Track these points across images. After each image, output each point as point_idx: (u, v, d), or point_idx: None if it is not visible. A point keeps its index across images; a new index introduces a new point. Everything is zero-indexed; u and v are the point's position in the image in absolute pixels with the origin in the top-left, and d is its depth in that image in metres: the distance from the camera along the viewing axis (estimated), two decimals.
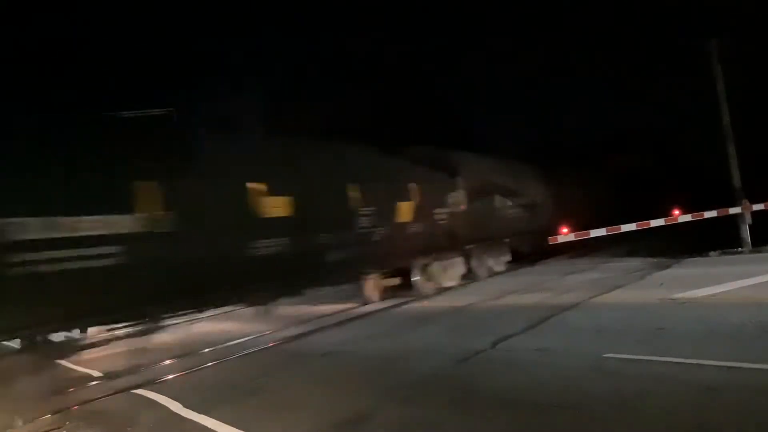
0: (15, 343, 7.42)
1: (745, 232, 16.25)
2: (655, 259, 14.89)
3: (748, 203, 16.50)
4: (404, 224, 12.86)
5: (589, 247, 19.01)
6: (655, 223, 16.99)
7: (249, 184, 9.24)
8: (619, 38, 22.99)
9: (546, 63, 25.80)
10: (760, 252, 14.86)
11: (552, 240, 17.94)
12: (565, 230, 17.97)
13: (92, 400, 7.02)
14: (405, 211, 12.93)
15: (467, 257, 15.45)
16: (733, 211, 16.64)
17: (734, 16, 17.04)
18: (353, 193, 11.36)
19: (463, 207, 15.17)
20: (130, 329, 8.15)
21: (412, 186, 13.36)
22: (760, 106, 20.38)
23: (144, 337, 8.38)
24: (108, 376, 8.26)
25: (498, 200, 17.29)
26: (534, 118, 27.92)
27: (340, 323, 10.86)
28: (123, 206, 7.44)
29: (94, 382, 8.08)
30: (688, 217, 17.01)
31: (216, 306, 9.97)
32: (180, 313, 9.03)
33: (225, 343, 9.91)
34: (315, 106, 21.45)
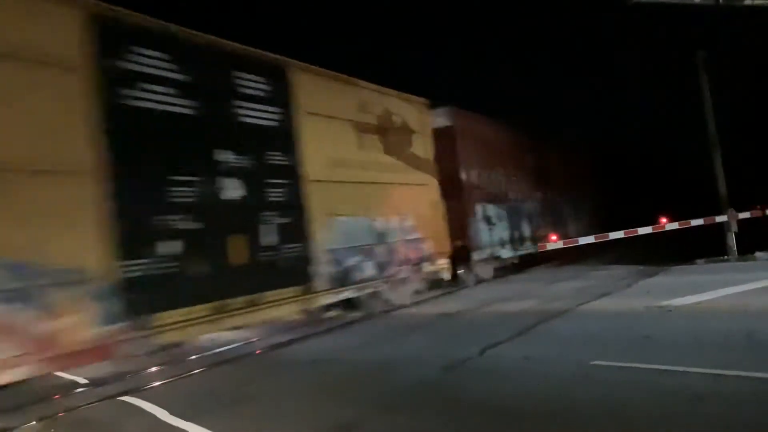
0: None
1: (731, 240, 16.41)
2: (642, 267, 14.98)
3: (734, 212, 16.67)
4: None
5: (576, 254, 19.10)
6: (642, 230, 17.12)
7: None
8: (607, 50, 23.21)
9: (536, 78, 26.03)
10: (745, 260, 14.99)
11: (541, 247, 18.06)
12: (553, 237, 18.09)
13: (78, 407, 6.96)
14: None
15: None
16: (719, 219, 16.80)
17: (721, 28, 17.26)
18: None
19: None
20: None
21: None
22: (747, 115, 20.65)
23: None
24: (94, 383, 8.18)
25: None
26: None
27: (327, 331, 10.83)
28: None
29: (80, 389, 8.00)
30: (675, 225, 17.16)
31: None
32: None
33: (212, 350, 9.86)
34: None
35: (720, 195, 17.17)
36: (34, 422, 6.48)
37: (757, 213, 17.33)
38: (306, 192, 10.40)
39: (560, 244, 17.96)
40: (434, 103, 14.95)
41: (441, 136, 14.87)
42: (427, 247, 13.56)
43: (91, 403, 7.12)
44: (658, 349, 6.74)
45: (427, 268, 13.56)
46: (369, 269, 11.71)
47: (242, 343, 10.27)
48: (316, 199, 10.50)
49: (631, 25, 19.36)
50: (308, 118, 10.65)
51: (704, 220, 17.01)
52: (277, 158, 9.96)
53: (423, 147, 14.08)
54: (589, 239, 17.70)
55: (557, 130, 23.62)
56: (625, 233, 17.17)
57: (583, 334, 8.04)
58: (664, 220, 17.49)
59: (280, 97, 10.20)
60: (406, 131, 13.56)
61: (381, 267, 12.06)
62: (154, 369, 8.73)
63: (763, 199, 17.75)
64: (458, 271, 15.15)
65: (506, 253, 17.24)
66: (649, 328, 7.80)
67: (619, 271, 15.19)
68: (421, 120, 14.24)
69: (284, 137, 10.21)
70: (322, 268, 10.47)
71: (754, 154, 20.47)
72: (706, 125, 17.32)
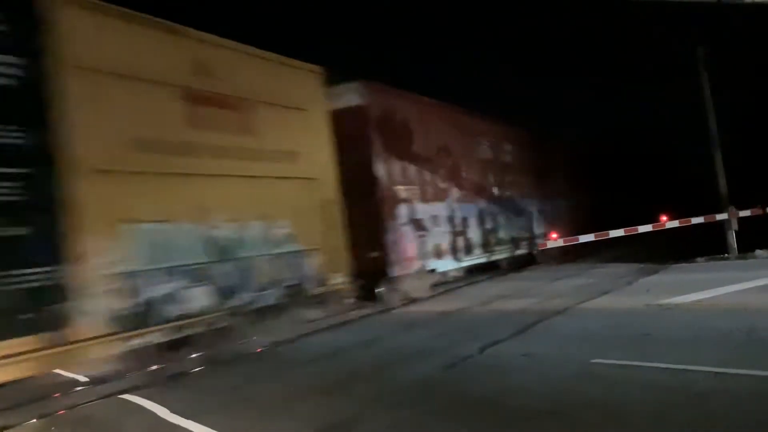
0: None
1: (732, 239, 16.41)
2: (642, 265, 14.97)
3: (734, 210, 16.67)
4: None
5: (576, 252, 19.09)
6: (642, 228, 17.12)
7: None
8: (607, 47, 23.19)
9: (537, 78, 26.01)
10: (746, 258, 14.98)
11: (541, 246, 18.06)
12: (554, 235, 18.08)
13: (78, 405, 6.96)
14: None
15: None
16: (719, 217, 16.80)
17: (722, 27, 17.27)
18: None
19: None
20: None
21: None
22: (747, 113, 20.66)
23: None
24: (94, 381, 8.18)
25: None
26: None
27: (328, 328, 10.82)
28: None
29: (80, 387, 8.00)
30: (675, 223, 17.17)
31: None
32: None
33: (212, 348, 9.84)
34: None
35: (720, 193, 17.16)
36: (35, 420, 6.48)
37: (758, 211, 17.35)
38: (74, 187, 6.85)
39: (560, 242, 17.96)
40: (338, 76, 11.86)
41: (348, 117, 11.93)
42: (315, 262, 10.32)
43: (92, 401, 7.12)
44: (659, 347, 6.74)
45: (315, 289, 10.30)
46: (201, 298, 8.32)
47: (242, 341, 10.26)
48: (96, 198, 7.04)
49: (631, 23, 19.34)
50: (86, 77, 7.18)
51: (705, 219, 17.00)
52: (6, 134, 6.35)
53: (312, 130, 10.73)
54: (589, 237, 17.66)
55: (554, 128, 23.49)
56: (625, 231, 17.17)
57: (583, 332, 8.04)
58: (664, 218, 17.49)
59: (23, 41, 6.64)
60: (284, 107, 10.14)
61: (225, 294, 8.71)
62: (154, 367, 8.73)
63: (763, 197, 17.76)
64: (377, 290, 12.43)
65: (445, 264, 14.32)
66: (649, 326, 7.80)
67: (619, 269, 15.18)
68: (312, 94, 10.85)
69: (27, 102, 6.65)
70: (99, 303, 6.98)
71: (755, 153, 20.47)
72: (706, 123, 17.31)
